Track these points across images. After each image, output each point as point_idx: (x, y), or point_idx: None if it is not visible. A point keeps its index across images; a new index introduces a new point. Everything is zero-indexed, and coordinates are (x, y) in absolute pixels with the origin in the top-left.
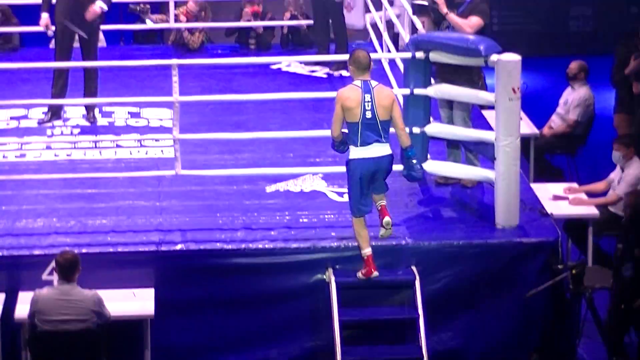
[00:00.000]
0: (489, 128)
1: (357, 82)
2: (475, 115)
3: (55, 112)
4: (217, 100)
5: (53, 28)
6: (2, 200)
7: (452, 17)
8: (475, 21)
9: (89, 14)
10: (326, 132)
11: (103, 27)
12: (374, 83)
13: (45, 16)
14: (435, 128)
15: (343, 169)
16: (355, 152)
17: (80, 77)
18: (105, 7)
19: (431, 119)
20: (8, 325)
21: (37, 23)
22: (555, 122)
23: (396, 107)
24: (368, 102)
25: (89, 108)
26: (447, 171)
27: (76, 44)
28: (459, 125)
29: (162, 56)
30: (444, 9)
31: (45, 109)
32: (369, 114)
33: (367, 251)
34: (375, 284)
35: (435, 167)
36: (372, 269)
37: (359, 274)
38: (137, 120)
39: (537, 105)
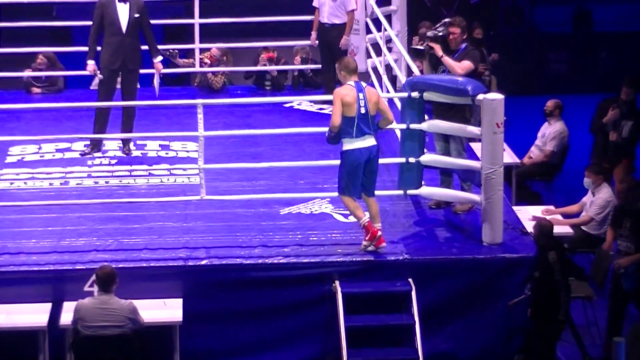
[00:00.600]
0: (476, 158)
1: (351, 83)
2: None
3: (96, 145)
4: (237, 135)
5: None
6: (48, 221)
7: (447, 59)
8: (466, 64)
9: (157, 72)
10: (333, 162)
11: None
12: (363, 83)
13: (91, 62)
14: (428, 158)
15: None
16: (352, 144)
17: (118, 114)
18: (162, 58)
19: (425, 150)
20: (54, 331)
21: (79, 68)
22: (534, 153)
23: (382, 101)
24: (362, 99)
25: (126, 141)
26: (439, 196)
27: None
28: (454, 157)
29: (189, 96)
30: (439, 53)
31: (87, 142)
32: (362, 110)
33: (365, 219)
34: (377, 295)
35: (429, 192)
36: (381, 240)
37: (364, 243)
38: (167, 152)
39: (518, 138)
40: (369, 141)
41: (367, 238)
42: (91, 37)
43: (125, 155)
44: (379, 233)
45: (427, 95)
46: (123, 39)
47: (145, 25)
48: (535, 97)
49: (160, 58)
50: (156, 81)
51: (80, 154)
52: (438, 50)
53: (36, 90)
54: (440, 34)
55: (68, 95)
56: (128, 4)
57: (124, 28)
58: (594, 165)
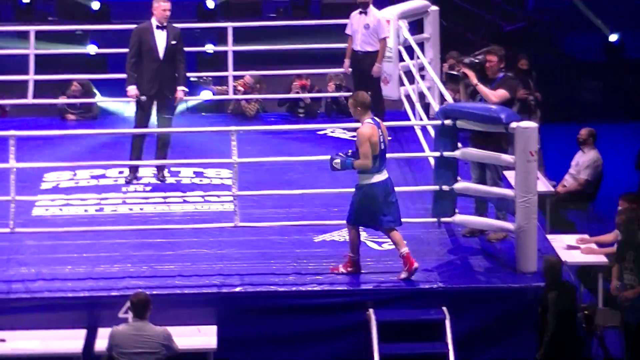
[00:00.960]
0: (510, 186)
1: (369, 120)
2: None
3: (133, 171)
4: (270, 162)
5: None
6: (83, 248)
7: (481, 87)
8: (501, 93)
9: (176, 100)
10: None
11: None
12: (377, 119)
13: (133, 87)
14: (462, 186)
15: None
16: (375, 177)
17: (153, 141)
18: (187, 90)
19: (459, 178)
20: (89, 358)
21: (114, 95)
22: (568, 181)
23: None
24: (381, 135)
25: (160, 168)
26: (473, 224)
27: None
28: (490, 185)
29: (222, 123)
30: (473, 80)
31: (123, 169)
32: (382, 145)
33: (357, 256)
34: (411, 323)
35: (462, 220)
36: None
37: (343, 270)
38: (201, 179)
39: (552, 166)
40: (386, 173)
41: (349, 270)
42: (129, 64)
43: (159, 182)
44: (415, 265)
45: (460, 123)
46: (160, 66)
47: (180, 53)
48: (568, 125)
49: (185, 88)
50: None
51: (125, 180)
52: (472, 77)
53: (71, 117)
54: (477, 61)
55: (102, 122)
56: (165, 31)
57: (161, 55)
58: (629, 194)
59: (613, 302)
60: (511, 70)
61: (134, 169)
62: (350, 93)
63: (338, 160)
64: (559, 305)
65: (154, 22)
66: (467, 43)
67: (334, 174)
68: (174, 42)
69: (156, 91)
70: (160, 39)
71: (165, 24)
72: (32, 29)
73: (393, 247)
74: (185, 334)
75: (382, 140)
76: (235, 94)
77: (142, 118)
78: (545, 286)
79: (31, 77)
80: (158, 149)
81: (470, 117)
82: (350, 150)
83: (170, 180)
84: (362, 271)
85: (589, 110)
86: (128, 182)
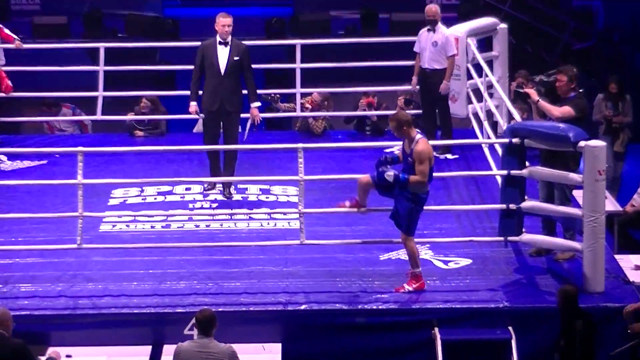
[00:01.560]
0: (578, 206)
1: (421, 136)
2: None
3: (213, 185)
4: (337, 179)
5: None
6: (149, 264)
7: (543, 103)
8: (565, 109)
9: (255, 118)
10: (433, 207)
11: None
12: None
13: (193, 104)
14: (529, 205)
15: (448, 239)
16: (427, 187)
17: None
18: (260, 104)
19: (526, 197)
20: None
21: (182, 112)
22: (637, 201)
23: None
24: None
25: (226, 185)
26: (540, 243)
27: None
28: (558, 204)
29: (289, 141)
30: (535, 98)
31: (190, 186)
32: None
33: (419, 269)
34: (476, 342)
35: (529, 239)
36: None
37: (409, 287)
38: (267, 196)
39: (622, 186)
40: None
41: (414, 287)
42: (193, 80)
43: (226, 199)
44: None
45: (528, 142)
46: (222, 81)
47: (246, 69)
48: (638, 145)
49: (257, 104)
50: (248, 126)
51: (204, 189)
52: (534, 95)
53: (139, 133)
54: (547, 80)
55: (170, 139)
56: (228, 47)
57: (222, 70)
58: None
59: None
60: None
61: (213, 183)
62: (419, 111)
63: (391, 174)
64: (585, 334)
65: (218, 38)
66: (536, 61)
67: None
68: (236, 58)
69: (218, 107)
70: (222, 54)
71: (227, 39)
72: (101, 45)
73: (459, 265)
74: (250, 351)
75: None
76: (302, 111)
77: (209, 134)
78: (567, 317)
79: (100, 93)
80: (225, 164)
81: (538, 136)
82: (389, 157)
83: (236, 197)
84: (428, 289)
85: None
86: (206, 191)
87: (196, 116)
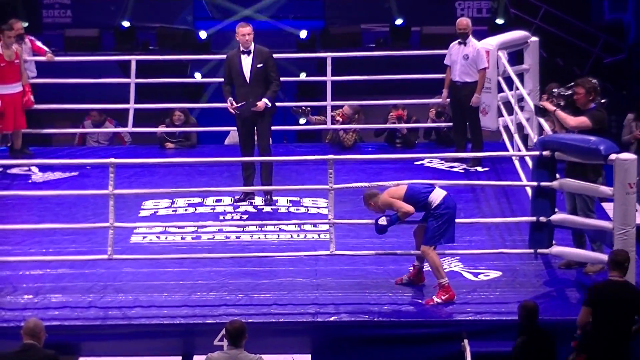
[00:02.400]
0: (608, 218)
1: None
2: (595, 207)
3: (247, 195)
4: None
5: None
6: (180, 275)
7: (559, 113)
8: (581, 119)
9: (257, 107)
10: (463, 221)
11: None
12: None
13: (230, 99)
14: (559, 217)
15: (478, 251)
16: (435, 196)
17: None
18: (269, 104)
19: (556, 209)
20: None
21: (211, 124)
22: None
23: None
24: None
25: (267, 192)
26: (570, 255)
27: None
28: (581, 216)
29: (320, 152)
30: (551, 108)
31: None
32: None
33: (446, 279)
34: (506, 355)
35: (559, 251)
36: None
37: (438, 299)
38: (297, 207)
39: None
40: (437, 189)
41: (444, 298)
42: (224, 89)
43: (268, 204)
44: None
45: (559, 155)
46: (248, 90)
47: (270, 75)
48: None
49: (267, 101)
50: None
51: (235, 200)
52: (549, 107)
53: (170, 145)
54: (564, 93)
55: (201, 151)
56: (251, 55)
57: (248, 78)
58: None
59: None
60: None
61: (247, 193)
62: (450, 124)
63: (384, 218)
64: (524, 352)
65: (240, 47)
66: (567, 75)
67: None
68: (259, 65)
69: (248, 114)
70: (246, 63)
71: (250, 48)
72: (133, 58)
73: (489, 278)
74: None
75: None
76: (333, 124)
77: (245, 144)
78: (522, 331)
79: (131, 105)
80: (262, 173)
81: (569, 149)
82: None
83: (266, 209)
84: (457, 302)
85: None
86: (238, 202)
87: (235, 111)
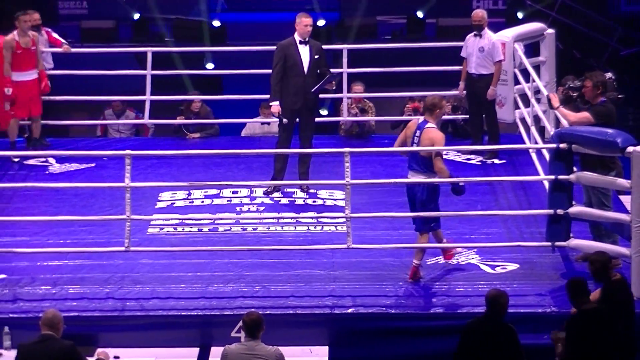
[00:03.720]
0: (626, 211)
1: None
2: (613, 200)
3: (276, 187)
4: (383, 183)
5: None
6: (197, 267)
7: (561, 109)
8: (581, 115)
9: (330, 85)
10: (480, 213)
11: None
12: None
13: (276, 104)
14: (576, 210)
15: (496, 244)
16: None
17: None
18: (334, 87)
19: (574, 202)
20: None
21: (229, 116)
22: None
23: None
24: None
25: (302, 179)
26: (587, 248)
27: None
28: (596, 208)
29: (336, 145)
30: (555, 104)
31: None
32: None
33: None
34: (524, 347)
35: (577, 244)
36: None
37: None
38: (314, 200)
39: None
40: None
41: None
42: (274, 79)
43: (304, 194)
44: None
45: (576, 147)
46: (305, 81)
47: (322, 69)
48: None
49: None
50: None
51: (264, 193)
52: (554, 101)
53: (194, 135)
54: (574, 86)
55: (219, 142)
56: (308, 46)
57: (305, 69)
58: None
59: None
60: None
61: (276, 185)
62: (466, 116)
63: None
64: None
65: (297, 37)
66: (584, 67)
67: (447, 198)
68: (316, 57)
69: (300, 106)
70: (305, 54)
71: (307, 39)
72: (149, 50)
73: (506, 270)
74: (297, 354)
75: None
76: (349, 115)
77: (285, 133)
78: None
79: (147, 97)
80: (299, 164)
81: (585, 141)
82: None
83: (283, 200)
84: (474, 294)
85: None
86: (268, 194)
87: (274, 119)
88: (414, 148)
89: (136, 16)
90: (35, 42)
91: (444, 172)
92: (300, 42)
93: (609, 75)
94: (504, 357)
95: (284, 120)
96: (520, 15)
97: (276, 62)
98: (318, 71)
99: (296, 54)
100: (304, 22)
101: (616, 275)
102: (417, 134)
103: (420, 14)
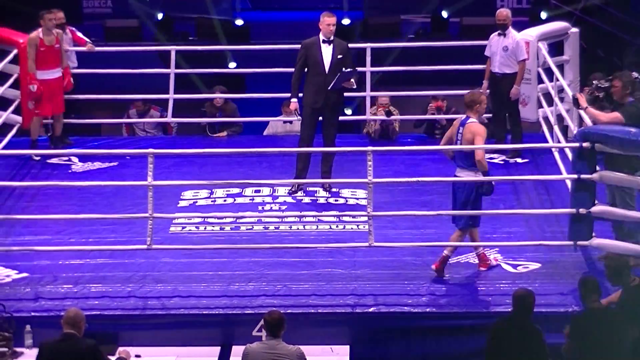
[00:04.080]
0: None
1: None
2: (637, 199)
3: (299, 186)
4: (406, 182)
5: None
6: (218, 266)
7: (590, 110)
8: (612, 115)
9: (349, 83)
10: (502, 212)
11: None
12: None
13: (294, 101)
14: (599, 209)
15: (518, 243)
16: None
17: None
18: (355, 86)
19: (596, 201)
20: None
21: (252, 114)
22: None
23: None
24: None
25: (325, 178)
26: (610, 248)
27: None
28: (620, 207)
29: (359, 144)
30: (583, 104)
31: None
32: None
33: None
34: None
35: (599, 244)
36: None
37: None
38: (336, 198)
39: None
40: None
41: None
42: (295, 77)
43: (326, 193)
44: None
45: (599, 146)
46: (325, 79)
47: (349, 67)
48: None
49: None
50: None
51: (288, 193)
52: (582, 102)
53: (222, 134)
54: (602, 86)
55: (241, 141)
56: (332, 45)
57: (327, 68)
58: None
59: None
60: None
61: (300, 184)
62: (489, 115)
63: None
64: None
65: (321, 36)
66: (608, 66)
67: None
68: (340, 57)
69: (322, 105)
70: (327, 53)
71: (331, 38)
72: (172, 48)
73: (528, 269)
74: (318, 353)
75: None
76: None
77: (306, 131)
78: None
79: (171, 96)
80: (322, 162)
81: (609, 140)
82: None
83: (305, 199)
84: (497, 293)
85: None
86: (292, 193)
87: (293, 117)
88: (455, 147)
89: (160, 15)
90: (60, 40)
91: (482, 164)
92: (324, 41)
93: (635, 75)
94: (530, 357)
95: (298, 117)
96: (544, 15)
97: (298, 59)
98: (343, 70)
99: (318, 52)
100: (326, 21)
101: (635, 280)
102: (460, 130)
103: (445, 14)
